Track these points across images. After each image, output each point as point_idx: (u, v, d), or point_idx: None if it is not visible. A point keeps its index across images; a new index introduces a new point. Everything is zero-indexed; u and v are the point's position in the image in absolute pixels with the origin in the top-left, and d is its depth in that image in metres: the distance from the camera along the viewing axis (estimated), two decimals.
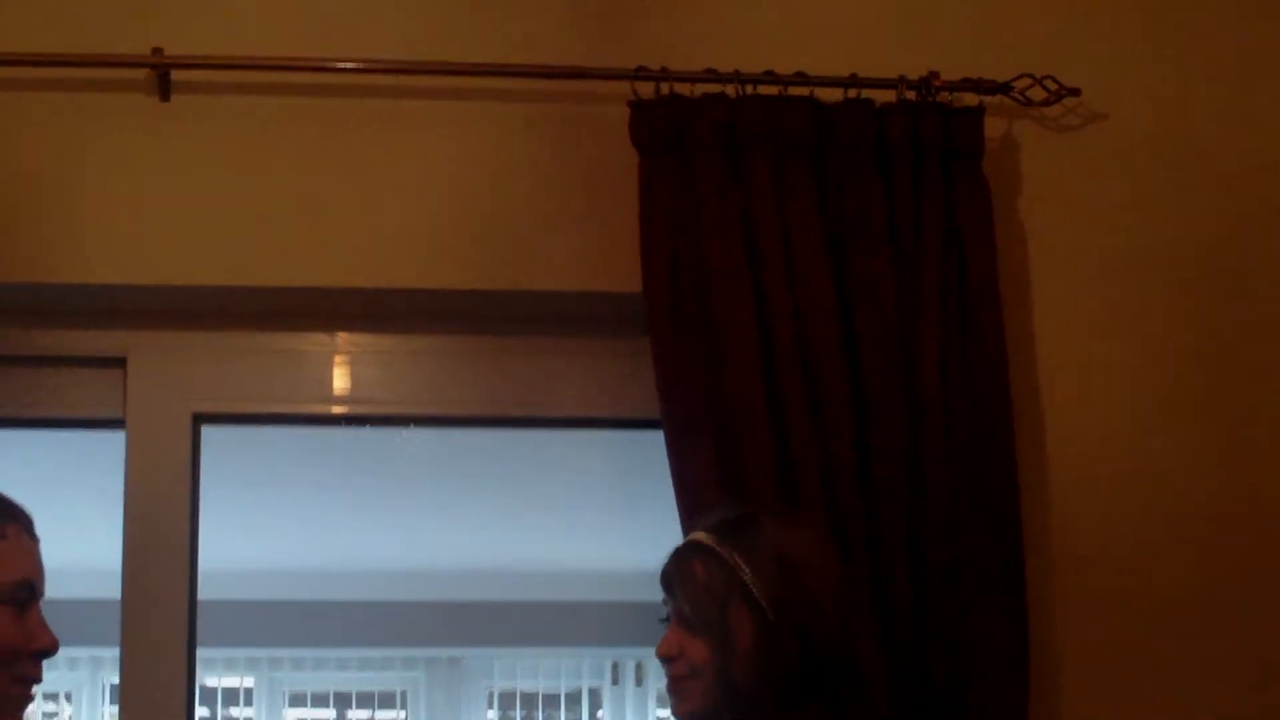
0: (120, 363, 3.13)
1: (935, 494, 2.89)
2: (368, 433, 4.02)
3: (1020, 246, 3.14)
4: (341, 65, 3.03)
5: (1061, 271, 3.16)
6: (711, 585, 2.39)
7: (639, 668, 7.89)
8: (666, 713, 7.82)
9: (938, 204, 3.00)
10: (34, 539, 2.28)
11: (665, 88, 2.97)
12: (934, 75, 3.04)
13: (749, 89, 2.98)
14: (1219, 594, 3.10)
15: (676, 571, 2.46)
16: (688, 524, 2.82)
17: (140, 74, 3.00)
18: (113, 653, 7.14)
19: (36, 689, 2.27)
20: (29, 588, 2.22)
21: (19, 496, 2.32)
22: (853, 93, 3.01)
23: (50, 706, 7.88)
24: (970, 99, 3.05)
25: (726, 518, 2.48)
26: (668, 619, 2.46)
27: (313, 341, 3.19)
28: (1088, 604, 3.06)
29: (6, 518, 2.23)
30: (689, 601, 2.41)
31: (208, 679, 7.42)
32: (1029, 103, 3.12)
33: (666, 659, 2.43)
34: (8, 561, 2.20)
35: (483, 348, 3.21)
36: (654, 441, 3.00)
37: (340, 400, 3.21)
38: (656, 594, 2.48)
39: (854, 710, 2.39)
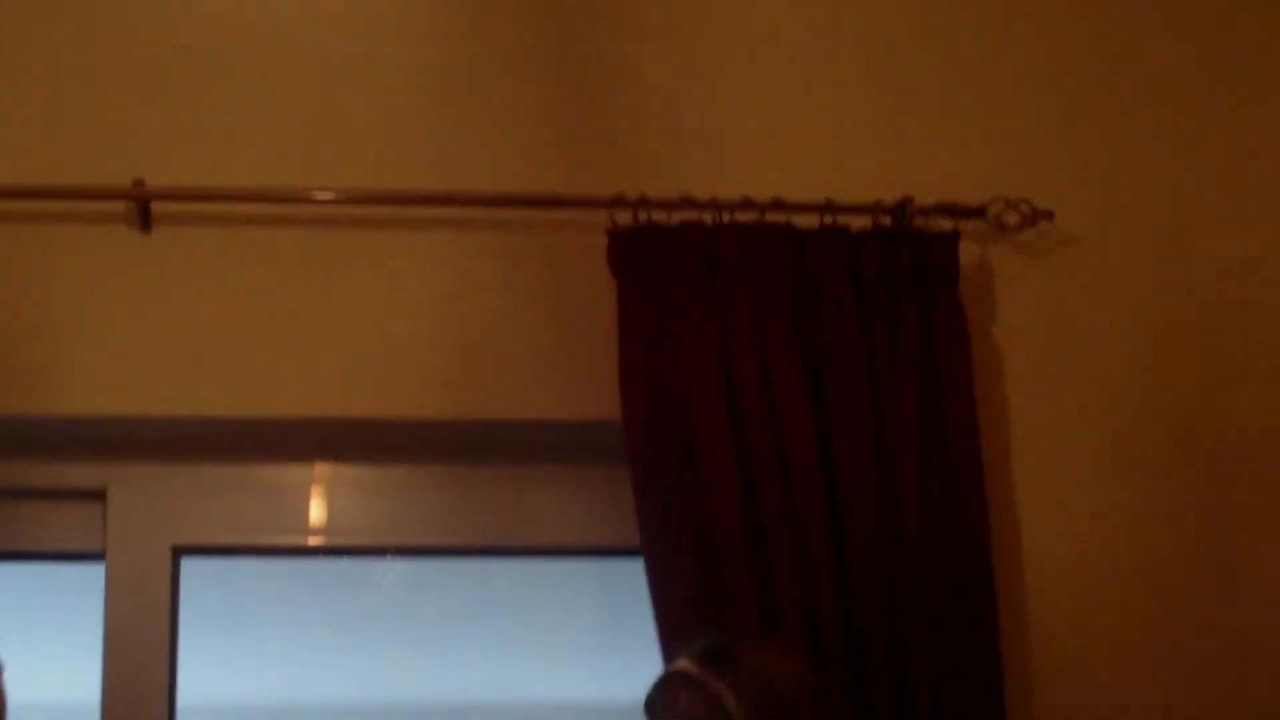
0: (100, 495, 3.12)
1: (914, 622, 2.88)
2: (346, 564, 3.99)
3: (997, 371, 3.15)
4: (319, 196, 3.05)
5: (1039, 398, 3.16)
6: (694, 714, 2.37)
7: None
8: None
9: (913, 331, 3.00)
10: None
11: (643, 215, 2.99)
12: (909, 201, 3.06)
13: (726, 216, 3.00)
14: None
15: (660, 699, 2.44)
16: (668, 653, 2.81)
17: (120, 206, 3.02)
18: None
19: None
20: None
21: None
22: (829, 218, 3.03)
23: None
24: (945, 223, 3.08)
25: (709, 645, 2.46)
26: None
27: (291, 473, 3.19)
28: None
29: None
30: None
31: None
32: (1003, 227, 3.14)
33: None
34: None
35: (461, 477, 3.21)
36: (636, 570, 2.99)
37: (318, 532, 3.21)
38: None
39: None
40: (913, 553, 2.90)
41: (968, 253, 3.10)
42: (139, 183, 2.99)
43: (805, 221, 3.03)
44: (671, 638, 2.83)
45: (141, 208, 3.01)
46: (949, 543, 2.93)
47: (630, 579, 3.06)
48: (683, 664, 2.45)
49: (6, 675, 2.29)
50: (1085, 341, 3.19)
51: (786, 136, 3.21)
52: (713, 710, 2.36)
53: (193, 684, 3.19)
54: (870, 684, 2.84)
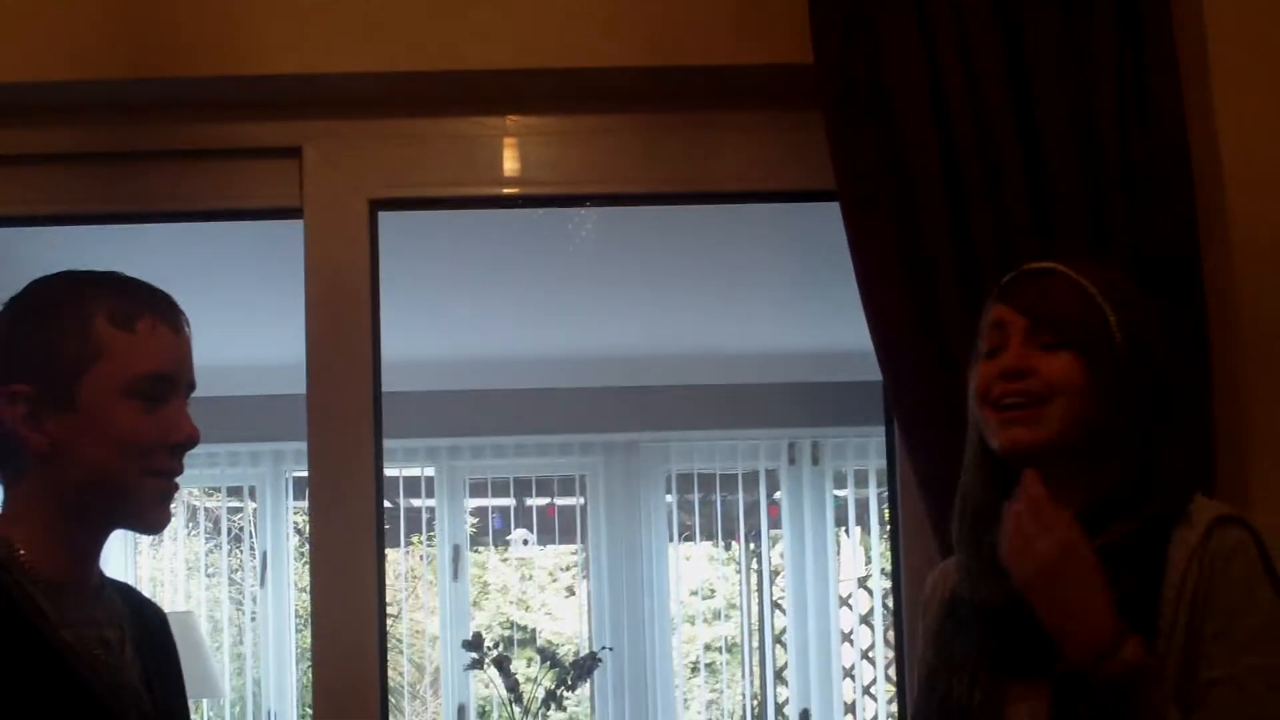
0: (296, 152, 3.15)
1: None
2: (542, 217, 4.02)
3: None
4: None
5: (1237, 29, 3.04)
6: (1074, 304, 2.34)
7: (815, 447, 7.91)
8: (843, 491, 7.90)
9: None
10: (174, 329, 2.25)
11: None
12: None
13: None
14: None
15: (1038, 288, 2.38)
16: (868, 293, 2.82)
17: None
18: (294, 447, 7.31)
19: (179, 481, 2.28)
20: (161, 381, 2.22)
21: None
22: None
23: (234, 502, 8.06)
24: None
25: (1068, 255, 2.45)
26: (992, 352, 2.38)
27: (484, 125, 3.19)
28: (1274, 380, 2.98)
29: (139, 309, 2.22)
30: (1053, 318, 2.34)
31: (388, 469, 7.52)
32: None
33: (1019, 373, 2.33)
34: (135, 355, 2.19)
35: (652, 125, 3.20)
36: (824, 214, 2.99)
37: (512, 182, 3.22)
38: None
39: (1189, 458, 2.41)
40: (1111, 184, 2.87)
41: None
42: None
43: None
44: (870, 279, 2.83)
45: None
46: (1149, 174, 2.88)
47: (822, 225, 3.06)
48: (1046, 263, 2.41)
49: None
50: None
51: None
52: (1089, 303, 2.34)
53: (391, 341, 3.21)
54: None
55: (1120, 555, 2.27)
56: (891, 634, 7.52)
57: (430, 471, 7.96)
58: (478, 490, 8.16)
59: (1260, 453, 2.95)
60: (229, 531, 8.17)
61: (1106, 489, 2.33)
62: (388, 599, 3.15)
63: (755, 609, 8.36)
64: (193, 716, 2.41)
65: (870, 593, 8.10)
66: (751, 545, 8.34)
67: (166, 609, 2.45)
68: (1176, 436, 2.37)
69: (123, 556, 7.52)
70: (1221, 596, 2.23)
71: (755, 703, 8.33)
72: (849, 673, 8.03)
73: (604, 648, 7.60)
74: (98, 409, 2.17)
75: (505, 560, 8.68)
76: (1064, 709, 2.21)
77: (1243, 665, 2.20)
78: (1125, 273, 2.48)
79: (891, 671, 7.76)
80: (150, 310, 2.23)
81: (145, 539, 7.68)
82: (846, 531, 8.13)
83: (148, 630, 2.36)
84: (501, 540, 8.41)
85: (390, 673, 3.18)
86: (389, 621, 3.73)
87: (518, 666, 7.56)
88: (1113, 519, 2.31)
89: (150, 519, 2.27)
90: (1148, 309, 2.39)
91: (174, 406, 2.24)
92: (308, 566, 3.05)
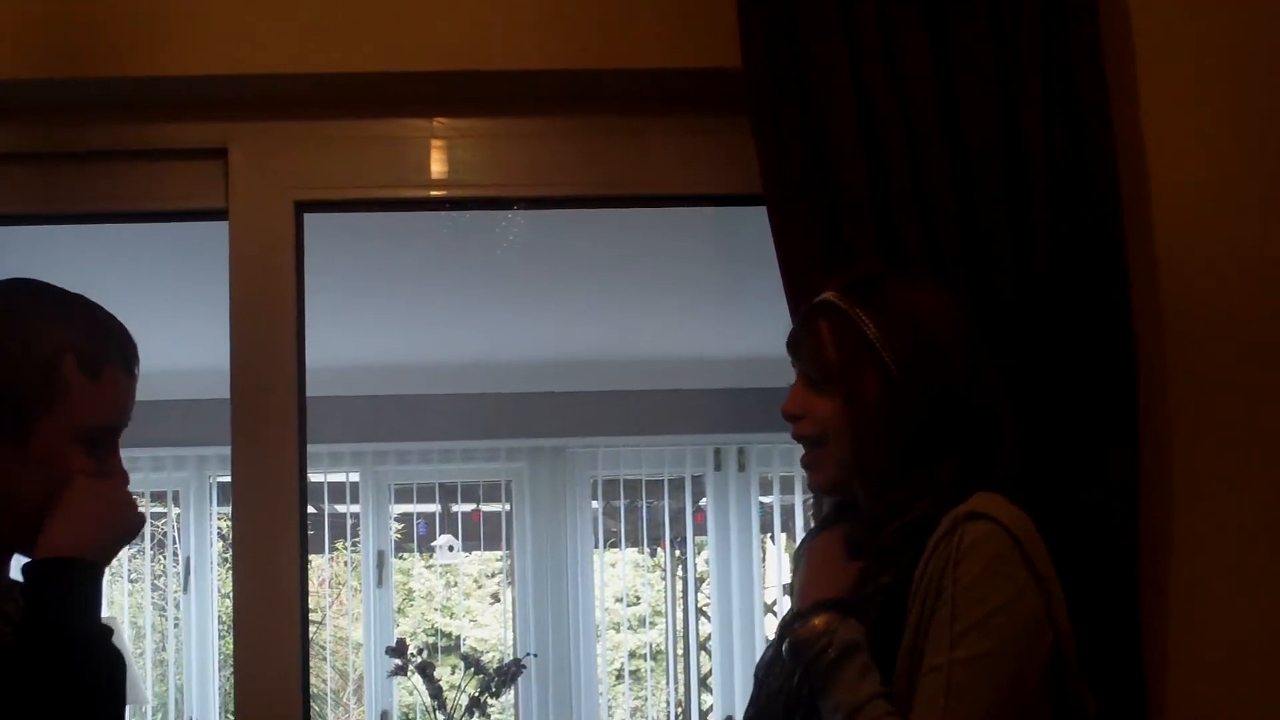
0: (221, 153, 3.13)
1: (1040, 270, 2.86)
2: (469, 220, 4.01)
3: (1123, 14, 3.04)
4: None
5: (1166, 38, 3.06)
6: (838, 342, 2.43)
7: (741, 453, 7.93)
8: (769, 498, 7.92)
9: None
10: (131, 376, 2.25)
11: None
12: None
13: None
14: None
15: (804, 330, 2.50)
16: (794, 300, 2.82)
17: None
18: (217, 451, 7.29)
19: None
20: (108, 431, 2.22)
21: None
22: None
23: (158, 507, 8.01)
24: None
25: (854, 278, 2.51)
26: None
27: (410, 127, 3.17)
28: (1199, 385, 2.99)
29: (106, 355, 2.22)
30: (815, 359, 2.45)
31: (313, 475, 7.46)
32: None
33: (791, 417, 2.47)
34: (95, 406, 2.19)
35: (580, 128, 3.19)
36: (752, 218, 2.99)
37: (439, 184, 3.21)
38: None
39: (987, 464, 2.41)
40: (1039, 198, 2.87)
41: None
42: None
43: None
44: (797, 285, 2.83)
45: None
46: (1075, 182, 2.89)
47: (751, 230, 3.05)
48: (827, 295, 2.49)
49: (135, 339, 2.30)
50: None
51: None
52: (856, 337, 2.42)
53: (317, 346, 3.19)
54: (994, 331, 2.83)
55: (886, 556, 2.36)
56: None
57: (355, 477, 7.94)
58: (403, 496, 8.14)
59: (1182, 451, 2.97)
60: (152, 537, 8.12)
61: (893, 499, 2.40)
62: (311, 605, 3.14)
63: (680, 616, 8.37)
64: None
65: None
66: (677, 552, 8.35)
67: None
68: (967, 445, 2.41)
69: None
70: (950, 589, 2.28)
71: (680, 710, 8.33)
72: None
73: (529, 654, 7.59)
74: (48, 453, 2.16)
75: (430, 566, 8.66)
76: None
77: (954, 656, 2.25)
78: (928, 290, 2.53)
79: None
80: (115, 357, 2.22)
81: None
82: (772, 538, 8.15)
83: None
84: (426, 546, 8.38)
85: (313, 679, 3.17)
86: (312, 628, 3.71)
87: (442, 673, 7.54)
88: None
89: None
90: (942, 335, 2.43)
91: (113, 452, 2.24)
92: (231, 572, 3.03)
